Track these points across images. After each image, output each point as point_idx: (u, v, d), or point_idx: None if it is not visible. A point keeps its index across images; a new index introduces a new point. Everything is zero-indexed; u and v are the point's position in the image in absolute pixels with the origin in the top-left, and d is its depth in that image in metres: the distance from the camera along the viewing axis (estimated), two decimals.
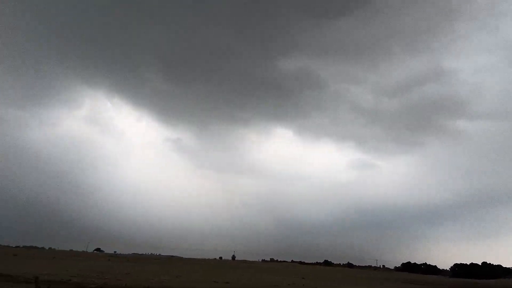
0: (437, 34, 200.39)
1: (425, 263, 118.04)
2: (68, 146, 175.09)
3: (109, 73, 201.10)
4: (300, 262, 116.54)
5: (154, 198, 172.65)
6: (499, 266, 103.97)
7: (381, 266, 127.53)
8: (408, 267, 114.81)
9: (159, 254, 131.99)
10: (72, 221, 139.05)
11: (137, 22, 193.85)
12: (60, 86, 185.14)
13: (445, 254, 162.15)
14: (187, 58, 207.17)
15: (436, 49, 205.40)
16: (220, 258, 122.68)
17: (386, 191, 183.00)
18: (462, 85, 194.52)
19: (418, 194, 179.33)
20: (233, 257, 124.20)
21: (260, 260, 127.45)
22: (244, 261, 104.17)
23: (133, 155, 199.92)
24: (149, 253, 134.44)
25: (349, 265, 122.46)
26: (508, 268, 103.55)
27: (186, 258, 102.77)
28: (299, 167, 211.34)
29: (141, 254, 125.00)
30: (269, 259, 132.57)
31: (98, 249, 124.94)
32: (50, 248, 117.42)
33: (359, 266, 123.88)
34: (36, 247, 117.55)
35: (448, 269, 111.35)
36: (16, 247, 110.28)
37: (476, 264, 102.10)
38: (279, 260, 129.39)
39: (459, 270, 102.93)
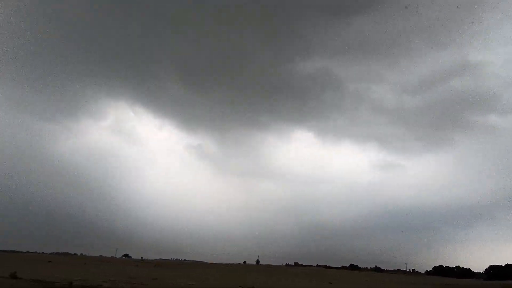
0: (461, 26, 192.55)
1: (458, 266, 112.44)
2: (95, 156, 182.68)
3: (131, 83, 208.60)
4: (326, 266, 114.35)
5: (178, 204, 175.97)
6: None
7: (411, 270, 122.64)
8: (440, 271, 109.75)
9: (184, 259, 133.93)
10: (101, 228, 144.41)
11: (155, 32, 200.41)
12: (86, 98, 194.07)
13: (478, 256, 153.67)
14: (205, 65, 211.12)
15: (460, 42, 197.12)
16: (244, 262, 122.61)
17: (413, 192, 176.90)
18: (491, 78, 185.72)
19: (448, 195, 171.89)
20: (257, 261, 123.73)
21: (285, 264, 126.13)
22: (269, 266, 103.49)
23: (156, 163, 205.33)
24: (174, 258, 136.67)
25: (377, 269, 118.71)
26: None
27: (210, 263, 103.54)
28: (321, 170, 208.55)
29: (166, 260, 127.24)
30: (293, 263, 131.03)
31: (126, 255, 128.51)
32: (81, 255, 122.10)
33: (387, 270, 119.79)
34: (68, 254, 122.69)
35: (482, 271, 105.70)
36: (50, 253, 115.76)
37: None
38: (304, 264, 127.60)
39: (494, 272, 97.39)
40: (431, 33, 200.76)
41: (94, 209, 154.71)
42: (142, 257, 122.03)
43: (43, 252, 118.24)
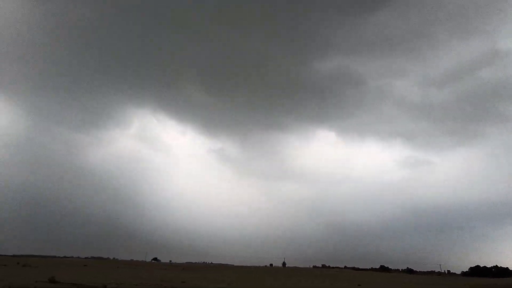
0: (487, 13, 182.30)
1: (496, 265, 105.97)
2: (122, 164, 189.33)
3: (153, 91, 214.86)
4: (354, 268, 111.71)
5: (202, 208, 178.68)
6: None
7: (446, 271, 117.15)
8: (477, 271, 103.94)
9: (211, 262, 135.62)
10: (131, 233, 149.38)
11: (175, 39, 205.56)
12: (112, 108, 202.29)
13: None
14: (225, 69, 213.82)
15: (487, 30, 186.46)
16: (271, 265, 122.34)
17: (443, 190, 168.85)
18: None
19: (481, 191, 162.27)
20: (284, 263, 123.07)
21: (311, 266, 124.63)
22: (295, 268, 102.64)
23: (180, 168, 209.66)
24: (201, 262, 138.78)
25: (409, 270, 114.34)
26: None
27: (237, 266, 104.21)
28: (345, 169, 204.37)
29: (194, 263, 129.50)
30: (320, 265, 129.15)
31: (155, 259, 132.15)
32: (114, 259, 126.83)
33: (420, 272, 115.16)
34: (102, 258, 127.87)
35: None
36: (85, 258, 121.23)
37: None
38: (331, 266, 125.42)
39: None
40: (455, 22, 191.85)
41: (124, 214, 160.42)
42: (170, 261, 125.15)
43: (78, 257, 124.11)
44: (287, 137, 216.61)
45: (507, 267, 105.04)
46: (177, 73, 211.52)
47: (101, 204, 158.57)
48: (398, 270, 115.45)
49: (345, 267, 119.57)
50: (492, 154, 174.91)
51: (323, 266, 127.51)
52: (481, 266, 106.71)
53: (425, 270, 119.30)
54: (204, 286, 27.60)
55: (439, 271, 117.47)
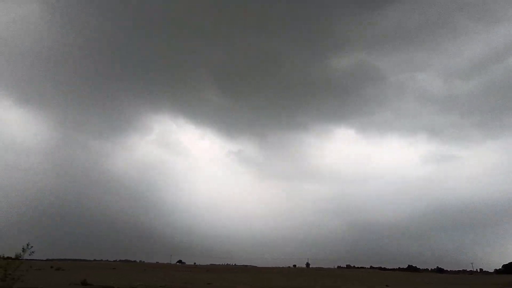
0: None
1: None
2: (144, 169, 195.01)
3: (172, 97, 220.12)
4: (381, 268, 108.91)
5: (224, 210, 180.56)
6: None
7: (478, 270, 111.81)
8: (511, 268, 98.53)
9: (235, 264, 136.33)
10: (156, 237, 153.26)
11: (190, 44, 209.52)
12: (132, 115, 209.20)
13: None
14: (240, 71, 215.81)
15: None
16: (294, 266, 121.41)
17: (473, 185, 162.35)
18: None
19: None
20: (307, 264, 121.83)
21: (336, 267, 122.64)
22: (320, 268, 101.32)
23: (201, 171, 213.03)
24: (225, 263, 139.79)
25: (439, 270, 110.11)
26: None
27: (260, 267, 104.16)
28: (366, 167, 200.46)
29: (217, 265, 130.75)
30: (345, 266, 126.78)
31: (180, 261, 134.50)
32: (140, 261, 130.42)
33: (451, 271, 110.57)
34: (129, 261, 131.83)
35: None
36: (114, 261, 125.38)
37: None
38: (356, 266, 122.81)
39: None
40: (479, 9, 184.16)
41: (148, 218, 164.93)
42: (195, 263, 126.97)
43: (107, 260, 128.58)
44: (306, 136, 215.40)
45: None
46: (194, 78, 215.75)
47: (126, 208, 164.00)
48: (427, 269, 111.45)
49: (371, 267, 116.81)
50: None
51: (348, 266, 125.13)
52: None
53: (456, 269, 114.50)
54: (229, 287, 27.82)
55: (470, 270, 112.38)
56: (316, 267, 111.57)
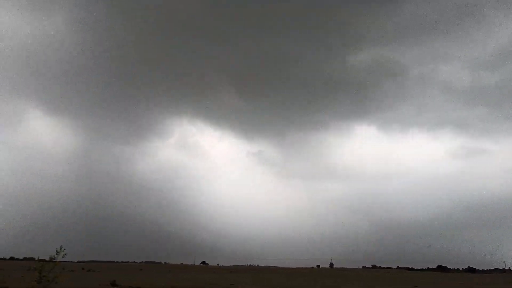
0: None
1: None
2: (166, 172, 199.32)
3: (190, 100, 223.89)
4: (408, 268, 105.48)
5: (246, 211, 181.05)
6: None
7: (511, 268, 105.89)
8: None
9: (257, 265, 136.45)
10: (180, 238, 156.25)
11: (207, 47, 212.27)
12: (153, 120, 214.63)
13: None
14: (258, 72, 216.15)
15: None
16: (318, 266, 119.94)
17: (505, 180, 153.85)
18: None
19: None
20: (331, 264, 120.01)
21: (361, 267, 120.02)
22: (344, 269, 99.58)
23: (221, 173, 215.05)
24: (248, 264, 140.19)
25: (470, 269, 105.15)
26: None
27: (283, 268, 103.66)
28: (389, 164, 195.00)
29: (240, 266, 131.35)
30: (370, 266, 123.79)
31: (203, 262, 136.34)
32: (165, 263, 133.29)
33: (483, 271, 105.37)
34: (154, 262, 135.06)
35: None
36: (140, 262, 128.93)
37: None
38: (382, 266, 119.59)
39: None
40: None
41: (172, 220, 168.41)
42: (218, 264, 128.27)
43: (134, 261, 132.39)
44: (325, 134, 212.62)
45: None
46: (211, 80, 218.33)
47: (150, 211, 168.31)
48: (458, 269, 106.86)
49: (398, 267, 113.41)
50: None
51: (374, 266, 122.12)
52: None
53: (489, 269, 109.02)
54: None
55: (503, 268, 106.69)
56: (340, 268, 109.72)
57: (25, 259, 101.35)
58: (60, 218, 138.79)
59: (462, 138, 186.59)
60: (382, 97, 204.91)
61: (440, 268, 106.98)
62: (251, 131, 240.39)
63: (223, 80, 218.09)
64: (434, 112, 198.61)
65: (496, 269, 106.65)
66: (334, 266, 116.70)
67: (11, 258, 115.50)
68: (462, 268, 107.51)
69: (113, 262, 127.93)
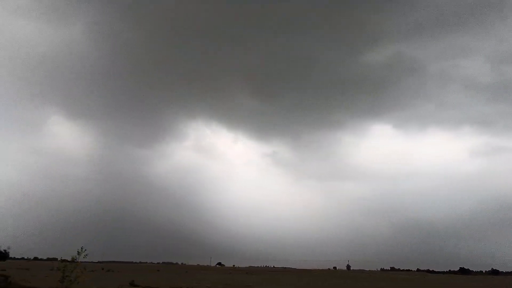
0: None
1: None
2: (182, 174, 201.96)
3: (205, 103, 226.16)
4: (428, 271, 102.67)
5: (261, 212, 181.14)
6: None
7: None
8: None
9: (273, 266, 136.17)
10: (196, 240, 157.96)
11: (223, 50, 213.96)
12: (170, 123, 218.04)
13: None
14: (272, 73, 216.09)
15: None
16: (334, 268, 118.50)
17: None
18: None
19: None
20: (348, 266, 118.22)
21: (379, 269, 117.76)
22: (361, 271, 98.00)
23: (236, 174, 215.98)
24: (263, 265, 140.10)
25: (494, 272, 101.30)
26: None
27: (299, 269, 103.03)
28: (407, 163, 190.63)
29: (256, 267, 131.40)
30: (389, 268, 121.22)
31: (219, 263, 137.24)
32: (182, 264, 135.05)
33: (507, 273, 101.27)
34: (171, 263, 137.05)
35: None
36: (157, 263, 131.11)
37: None
38: (401, 269, 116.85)
39: None
40: None
41: (189, 222, 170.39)
42: (234, 265, 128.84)
43: (151, 262, 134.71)
44: (341, 134, 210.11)
45: None
46: (225, 82, 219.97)
47: (168, 213, 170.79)
48: (481, 271, 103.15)
49: (418, 269, 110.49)
50: None
51: (392, 269, 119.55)
52: None
53: None
54: None
55: None
56: (358, 269, 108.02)
57: (48, 259, 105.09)
58: (81, 220, 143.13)
59: (484, 136, 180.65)
60: (399, 95, 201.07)
61: (462, 271, 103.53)
62: (266, 133, 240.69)
63: (238, 82, 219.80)
64: (455, 109, 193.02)
65: None
66: (351, 268, 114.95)
67: (35, 259, 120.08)
68: (486, 271, 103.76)
69: (132, 262, 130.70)
